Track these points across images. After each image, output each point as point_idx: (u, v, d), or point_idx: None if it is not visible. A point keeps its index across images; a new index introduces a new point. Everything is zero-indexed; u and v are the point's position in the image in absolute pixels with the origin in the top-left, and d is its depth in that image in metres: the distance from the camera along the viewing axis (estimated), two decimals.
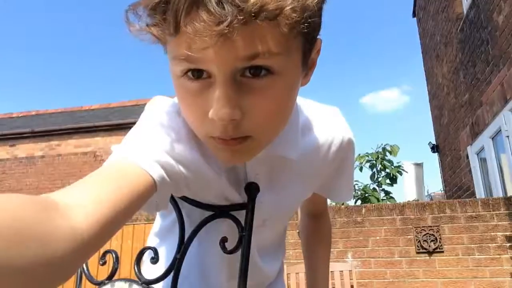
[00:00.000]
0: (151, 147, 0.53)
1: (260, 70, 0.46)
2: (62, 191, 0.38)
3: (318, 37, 0.53)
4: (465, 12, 5.60)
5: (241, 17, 0.41)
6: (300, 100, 0.70)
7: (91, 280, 0.69)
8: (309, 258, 0.98)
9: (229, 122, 0.48)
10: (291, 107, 0.54)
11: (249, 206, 0.64)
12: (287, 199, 0.71)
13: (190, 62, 0.47)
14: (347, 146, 0.73)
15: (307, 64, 0.54)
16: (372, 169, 6.29)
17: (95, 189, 0.40)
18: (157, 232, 0.81)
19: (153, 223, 0.85)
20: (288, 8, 0.43)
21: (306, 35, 0.48)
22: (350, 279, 3.81)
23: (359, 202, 6.18)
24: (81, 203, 0.37)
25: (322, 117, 0.71)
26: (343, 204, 6.28)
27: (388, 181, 6.13)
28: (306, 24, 0.45)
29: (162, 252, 0.75)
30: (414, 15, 8.90)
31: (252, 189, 0.65)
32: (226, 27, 0.41)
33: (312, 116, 0.70)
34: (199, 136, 0.55)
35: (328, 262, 0.96)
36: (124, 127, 9.70)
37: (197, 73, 0.48)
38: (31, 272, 0.30)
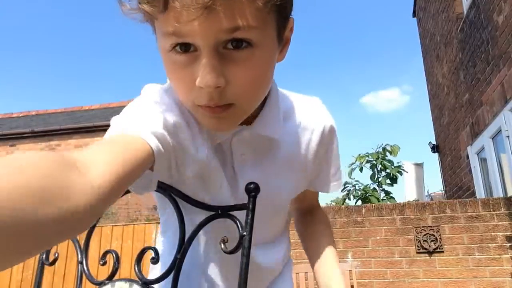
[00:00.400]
0: (148, 121, 0.57)
1: (241, 43, 0.52)
2: (79, 152, 0.42)
3: (290, 16, 0.60)
4: (465, 12, 5.60)
5: None
6: (282, 90, 0.76)
7: (91, 280, 0.69)
8: (312, 244, 0.92)
9: (214, 89, 0.53)
10: (269, 78, 0.60)
11: (249, 206, 0.64)
12: (274, 182, 0.73)
13: (178, 36, 0.52)
14: (329, 134, 0.77)
15: (282, 39, 0.60)
16: (372, 169, 6.28)
17: (106, 152, 0.45)
18: (160, 231, 0.82)
19: (153, 223, 0.86)
20: None
21: (279, 12, 0.55)
22: (350, 279, 3.81)
23: (359, 202, 6.18)
24: (96, 162, 0.41)
25: (303, 106, 0.76)
26: (343, 204, 6.28)
27: (388, 181, 6.13)
28: (278, 1, 0.52)
29: (161, 251, 0.75)
30: (414, 15, 8.90)
31: (252, 189, 0.65)
32: (210, 3, 0.47)
33: (293, 104, 0.76)
34: (187, 106, 0.60)
35: (334, 244, 0.88)
36: None
37: (184, 47, 0.53)
38: (58, 223, 0.33)
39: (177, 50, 0.53)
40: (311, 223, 0.94)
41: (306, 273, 3.95)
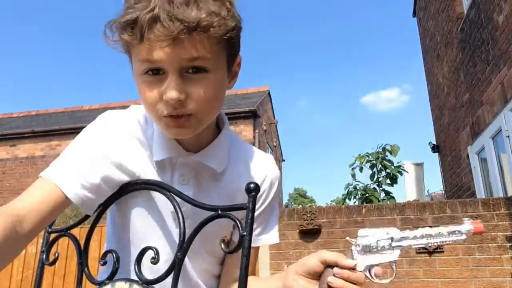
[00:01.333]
0: (79, 173, 0.69)
1: (198, 69, 0.68)
2: (20, 205, 0.63)
3: (239, 55, 0.77)
4: (465, 12, 5.60)
5: (184, 29, 0.63)
6: (240, 140, 0.90)
7: (91, 280, 0.69)
8: None
9: (177, 101, 0.67)
10: (220, 98, 0.74)
11: (249, 206, 0.64)
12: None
13: (150, 62, 0.67)
14: (268, 184, 0.87)
15: (231, 72, 0.76)
16: (372, 169, 6.27)
17: (37, 203, 0.64)
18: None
19: None
20: (215, 24, 0.65)
21: (228, 49, 0.71)
22: None
23: (359, 202, 6.17)
24: (30, 214, 0.62)
25: (255, 157, 0.88)
26: (343, 203, 6.28)
27: (388, 181, 6.12)
28: (228, 39, 0.68)
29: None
30: (414, 15, 8.90)
31: (252, 189, 0.65)
32: (176, 34, 0.63)
33: (246, 152, 0.88)
34: (154, 117, 0.73)
35: None
36: None
37: (155, 71, 0.68)
38: (5, 264, 0.58)
39: (149, 74, 0.68)
40: None
41: None
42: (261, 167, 0.86)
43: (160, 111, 0.69)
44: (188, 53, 0.65)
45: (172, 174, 0.78)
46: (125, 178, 0.75)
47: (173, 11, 0.63)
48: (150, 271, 0.69)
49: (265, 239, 0.86)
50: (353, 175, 6.29)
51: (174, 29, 0.62)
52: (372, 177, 6.20)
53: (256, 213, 0.83)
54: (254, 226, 0.81)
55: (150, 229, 0.77)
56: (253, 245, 0.81)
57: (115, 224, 0.80)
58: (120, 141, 0.76)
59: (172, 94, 0.66)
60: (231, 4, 0.69)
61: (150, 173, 0.77)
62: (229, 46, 0.71)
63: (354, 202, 6.20)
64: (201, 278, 0.82)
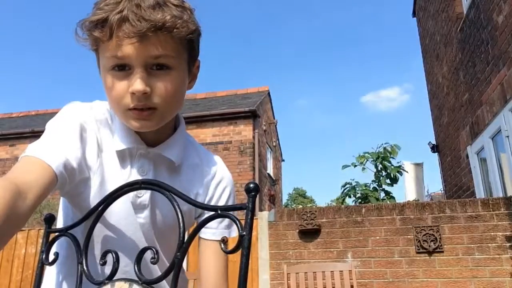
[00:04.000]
0: (60, 150, 0.71)
1: (162, 66, 0.73)
2: (23, 176, 0.62)
3: (198, 59, 0.84)
4: (465, 12, 5.60)
5: (151, 28, 0.69)
6: (192, 138, 0.95)
7: (91, 280, 0.69)
8: None
9: (142, 94, 0.72)
10: (181, 95, 0.80)
11: (249, 206, 0.64)
12: (165, 202, 0.77)
13: (118, 59, 0.72)
14: (225, 183, 0.92)
15: (191, 73, 0.83)
16: (375, 169, 6.27)
17: (37, 179, 0.63)
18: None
19: None
20: (179, 26, 0.72)
21: (189, 51, 0.78)
22: (350, 279, 3.81)
23: (359, 202, 6.17)
24: (31, 188, 0.60)
25: (207, 154, 0.94)
26: (343, 203, 6.28)
27: (388, 181, 6.12)
28: (189, 41, 0.76)
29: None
30: (414, 14, 8.90)
31: (251, 189, 0.65)
32: (144, 32, 0.69)
33: (199, 149, 0.94)
34: (119, 111, 0.76)
35: None
36: None
37: (121, 68, 0.73)
38: (7, 238, 0.55)
39: (115, 69, 0.73)
40: None
41: (305, 273, 3.95)
42: (212, 166, 0.92)
43: (126, 103, 0.73)
44: (154, 50, 0.71)
45: (131, 164, 0.83)
46: (96, 160, 0.79)
47: (141, 13, 0.69)
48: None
49: (217, 233, 0.87)
50: (348, 165, 6.28)
51: (142, 28, 0.69)
52: (376, 177, 6.20)
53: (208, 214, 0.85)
54: (215, 220, 0.84)
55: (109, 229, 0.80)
56: (212, 238, 0.87)
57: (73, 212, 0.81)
58: (93, 122, 0.81)
59: (138, 86, 0.71)
60: (191, 12, 0.77)
61: (112, 161, 0.81)
62: (190, 47, 0.78)
63: (353, 201, 6.20)
64: (166, 256, 0.87)
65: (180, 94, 0.78)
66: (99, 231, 0.79)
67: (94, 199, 0.77)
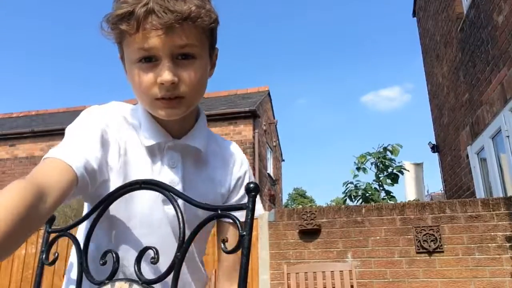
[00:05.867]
0: (83, 151, 0.72)
1: (187, 56, 0.76)
2: (44, 177, 0.62)
3: (216, 47, 0.85)
4: (465, 12, 5.60)
5: (178, 19, 0.71)
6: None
7: (91, 280, 0.69)
8: None
9: (171, 84, 0.74)
10: (205, 83, 0.82)
11: (249, 206, 0.64)
12: (194, 190, 0.84)
13: (145, 51, 0.73)
14: (245, 167, 0.96)
15: (211, 61, 0.85)
16: (376, 168, 6.26)
17: (57, 182, 0.63)
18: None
19: None
20: (202, 15, 0.74)
21: (210, 39, 0.80)
22: (350, 279, 3.81)
23: (360, 202, 6.16)
24: (52, 190, 0.61)
25: (225, 141, 0.98)
26: (344, 203, 6.27)
27: (389, 180, 6.12)
28: (211, 30, 0.79)
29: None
30: (414, 14, 8.90)
31: (252, 189, 0.65)
32: (170, 23, 0.71)
33: (218, 137, 0.97)
34: (146, 102, 0.78)
35: None
36: None
37: (148, 59, 0.74)
38: (25, 238, 0.55)
39: (142, 61, 0.75)
40: None
41: (305, 273, 3.95)
42: (231, 152, 0.95)
43: (154, 94, 0.75)
44: (179, 40, 0.73)
45: (161, 158, 0.84)
46: (118, 160, 0.79)
47: (166, 4, 0.71)
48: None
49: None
50: (355, 175, 6.27)
51: (168, 19, 0.70)
52: (376, 176, 6.19)
53: (239, 195, 0.91)
54: (242, 203, 0.86)
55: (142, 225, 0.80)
56: (242, 219, 0.86)
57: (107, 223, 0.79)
58: (114, 124, 0.82)
59: (167, 77, 0.73)
60: (209, 1, 0.79)
61: (139, 159, 0.82)
62: (211, 36, 0.80)
63: (356, 202, 6.20)
64: (199, 258, 0.90)
65: (204, 81, 0.81)
66: (124, 228, 0.79)
67: (119, 200, 0.77)
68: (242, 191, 0.92)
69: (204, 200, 0.79)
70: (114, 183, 0.78)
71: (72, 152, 0.70)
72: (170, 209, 0.79)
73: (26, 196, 0.54)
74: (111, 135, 0.80)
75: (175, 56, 0.74)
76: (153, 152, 0.84)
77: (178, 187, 0.82)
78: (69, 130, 0.78)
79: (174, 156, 0.85)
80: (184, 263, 0.79)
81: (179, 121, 0.82)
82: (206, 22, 0.75)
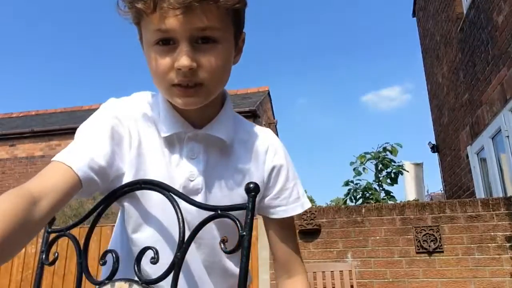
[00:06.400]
0: (89, 150, 0.69)
1: (208, 39, 0.69)
2: (37, 184, 0.60)
3: (243, 31, 0.79)
4: (465, 12, 5.60)
5: None
6: (238, 115, 0.89)
7: (91, 280, 0.69)
8: None
9: (188, 70, 0.68)
10: (228, 70, 0.75)
11: (249, 206, 0.64)
12: (220, 183, 0.80)
13: (163, 32, 0.68)
14: (281, 155, 0.86)
15: (237, 46, 0.78)
16: (376, 169, 6.26)
17: (52, 185, 0.61)
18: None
19: None
20: None
21: (235, 22, 0.73)
22: (350, 279, 3.81)
23: (360, 201, 6.16)
24: (46, 196, 0.59)
25: (257, 127, 0.89)
26: (344, 203, 6.27)
27: (388, 180, 6.12)
28: (235, 12, 0.71)
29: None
30: (414, 15, 8.90)
31: (252, 189, 0.65)
32: (188, 2, 0.64)
33: (247, 124, 0.89)
34: (163, 88, 0.73)
35: None
36: None
37: (166, 42, 0.69)
38: (21, 245, 0.55)
39: (160, 44, 0.69)
40: None
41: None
42: (263, 139, 0.87)
43: (171, 79, 0.70)
44: (199, 21, 0.67)
45: (180, 149, 0.79)
46: (129, 152, 0.75)
47: None
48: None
49: (289, 210, 0.85)
50: (359, 173, 6.26)
51: None
52: (376, 176, 6.19)
53: (277, 188, 0.84)
54: (281, 198, 0.84)
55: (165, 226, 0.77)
56: (284, 215, 0.85)
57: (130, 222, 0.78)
58: (127, 116, 0.77)
59: (184, 61, 0.67)
60: None
61: (156, 149, 0.78)
62: (236, 19, 0.73)
63: (356, 202, 6.19)
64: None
65: (226, 68, 0.75)
66: (137, 225, 0.76)
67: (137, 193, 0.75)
68: (280, 184, 0.85)
69: (233, 195, 0.78)
70: (127, 176, 0.75)
71: (76, 153, 0.67)
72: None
73: (17, 201, 0.53)
74: (122, 127, 0.76)
75: (194, 39, 0.68)
76: (172, 143, 0.79)
77: (198, 179, 0.77)
78: (79, 130, 0.75)
79: (195, 147, 0.79)
80: (204, 270, 0.78)
81: (200, 109, 0.76)
82: (229, 2, 0.68)
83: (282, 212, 0.85)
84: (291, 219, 0.87)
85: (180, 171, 0.77)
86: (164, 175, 0.76)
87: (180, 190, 0.73)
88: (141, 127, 0.78)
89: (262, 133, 0.88)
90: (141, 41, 0.75)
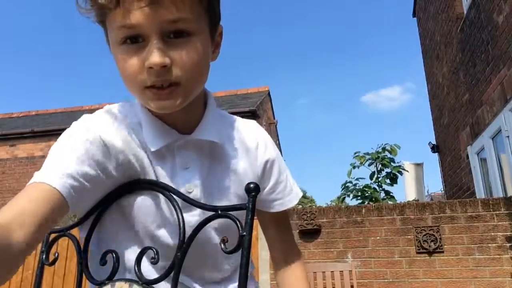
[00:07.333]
0: (68, 164, 0.62)
1: (181, 33, 0.63)
2: (4, 212, 0.52)
3: (220, 24, 0.73)
4: (465, 12, 5.60)
5: None
6: (220, 110, 0.84)
7: (91, 280, 0.69)
8: None
9: (161, 68, 0.61)
10: (205, 66, 0.69)
11: (249, 206, 0.64)
12: (218, 187, 0.76)
13: (129, 28, 0.61)
14: (271, 149, 0.84)
15: (214, 40, 0.71)
16: (372, 168, 6.26)
17: (26, 209, 0.54)
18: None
19: None
20: None
21: (210, 14, 0.67)
22: (350, 279, 3.81)
23: (358, 201, 6.16)
24: (24, 224, 0.52)
25: (243, 122, 0.85)
26: (343, 202, 6.27)
27: (388, 181, 6.12)
28: (209, 1, 0.65)
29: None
30: (414, 15, 8.90)
31: (252, 189, 0.65)
32: None
33: (233, 119, 0.84)
34: (135, 91, 0.66)
35: None
36: None
37: (134, 39, 0.62)
38: (5, 274, 0.50)
39: (127, 43, 0.63)
40: (287, 283, 0.88)
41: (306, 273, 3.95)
42: (251, 134, 0.83)
43: (143, 81, 0.63)
44: (169, 13, 0.60)
45: (172, 160, 0.72)
46: (117, 167, 0.69)
47: None
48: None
49: (285, 202, 0.86)
50: (349, 173, 6.27)
51: None
52: (372, 176, 6.19)
53: (272, 182, 0.83)
54: (277, 192, 0.84)
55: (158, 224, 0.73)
56: (282, 209, 0.85)
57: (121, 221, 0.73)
58: (107, 131, 0.69)
59: (155, 58, 0.60)
60: None
61: (147, 165, 0.71)
62: (210, 9, 0.67)
63: (352, 199, 6.20)
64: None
65: (204, 64, 0.67)
66: (163, 220, 0.72)
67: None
68: (274, 177, 0.83)
69: (232, 196, 0.77)
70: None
71: (51, 167, 0.61)
72: (192, 215, 0.72)
73: None
74: (100, 151, 0.67)
75: (165, 34, 0.62)
76: (161, 156, 0.72)
77: (196, 191, 0.72)
78: (52, 148, 0.69)
79: (186, 155, 0.73)
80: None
81: (184, 112, 0.70)
82: None
83: (278, 206, 0.85)
84: (286, 210, 0.88)
85: (176, 185, 0.71)
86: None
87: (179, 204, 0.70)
88: (125, 145, 0.70)
89: (249, 127, 0.84)
90: (108, 42, 0.68)
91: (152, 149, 0.71)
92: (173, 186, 0.71)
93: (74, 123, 0.73)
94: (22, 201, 0.55)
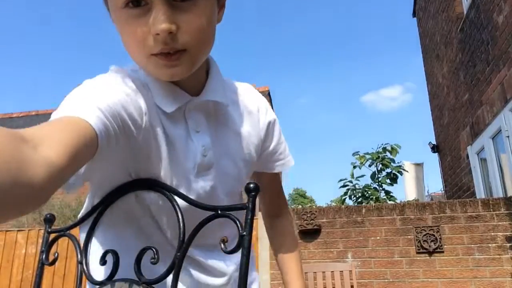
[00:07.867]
0: (94, 103, 0.55)
1: None
2: (27, 129, 0.41)
3: None
4: (465, 12, 5.60)
5: None
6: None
7: (91, 280, 0.69)
8: (280, 260, 1.02)
9: (168, 34, 0.58)
10: (212, 30, 0.66)
11: (249, 206, 0.64)
12: (227, 147, 0.76)
13: None
14: (271, 111, 0.85)
15: (219, 1, 0.68)
16: (375, 168, 6.27)
17: (56, 131, 0.45)
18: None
19: None
20: None
21: None
22: (350, 279, 3.81)
23: (359, 201, 6.17)
24: (47, 139, 0.42)
25: (242, 85, 0.84)
26: (343, 203, 6.27)
27: (388, 180, 6.12)
28: None
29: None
30: (414, 15, 8.90)
31: (251, 189, 0.65)
32: None
33: (232, 82, 0.83)
34: (141, 60, 0.63)
35: (298, 261, 0.99)
36: None
37: (136, 2, 0.58)
38: (15, 195, 0.34)
39: (129, 6, 0.59)
40: (278, 234, 0.98)
41: (306, 273, 3.95)
42: (251, 97, 0.83)
43: (149, 49, 0.60)
44: None
45: (186, 124, 0.70)
46: (135, 125, 0.62)
47: None
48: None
49: (286, 163, 0.89)
50: (352, 174, 6.28)
51: None
52: (373, 177, 6.20)
53: (274, 143, 0.85)
54: (279, 152, 0.87)
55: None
56: (283, 169, 0.89)
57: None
58: (122, 90, 0.63)
59: (162, 25, 0.57)
60: None
61: (161, 128, 0.67)
62: None
63: (353, 201, 6.20)
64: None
65: (211, 28, 0.64)
66: (144, 218, 0.71)
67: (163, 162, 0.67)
68: (276, 138, 0.85)
69: (238, 159, 0.78)
70: (157, 152, 0.66)
71: (84, 106, 0.54)
72: (206, 180, 0.71)
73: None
74: (121, 104, 0.60)
75: None
76: (173, 119, 0.69)
77: (210, 154, 0.71)
78: (69, 97, 0.59)
79: (197, 118, 0.71)
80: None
81: (191, 75, 0.66)
82: None
83: (280, 166, 0.88)
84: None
85: (192, 148, 0.69)
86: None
87: (196, 169, 0.70)
88: (140, 102, 0.64)
89: (248, 91, 0.83)
90: (107, 7, 0.64)
91: (168, 111, 0.67)
92: (190, 149, 0.70)
93: (84, 85, 0.63)
94: (52, 126, 0.46)
